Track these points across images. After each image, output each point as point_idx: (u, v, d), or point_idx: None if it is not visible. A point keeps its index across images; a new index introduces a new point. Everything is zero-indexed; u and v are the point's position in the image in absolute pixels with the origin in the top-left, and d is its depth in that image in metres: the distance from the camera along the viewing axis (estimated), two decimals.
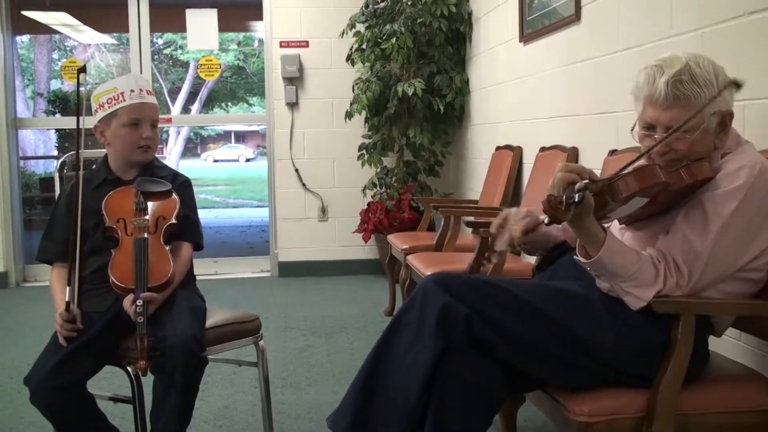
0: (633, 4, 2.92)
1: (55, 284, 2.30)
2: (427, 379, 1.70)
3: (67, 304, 2.15)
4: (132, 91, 2.35)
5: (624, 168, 1.70)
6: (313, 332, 4.24)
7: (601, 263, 1.71)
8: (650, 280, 1.71)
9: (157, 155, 2.50)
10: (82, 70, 2.37)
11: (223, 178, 21.06)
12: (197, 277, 2.56)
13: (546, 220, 1.66)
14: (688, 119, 1.71)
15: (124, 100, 2.35)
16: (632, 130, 1.87)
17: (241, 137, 30.13)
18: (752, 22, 2.18)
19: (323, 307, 4.87)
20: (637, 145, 1.92)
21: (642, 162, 1.75)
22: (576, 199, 1.59)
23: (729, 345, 2.19)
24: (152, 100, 2.41)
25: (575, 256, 1.77)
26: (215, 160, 27.84)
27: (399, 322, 1.83)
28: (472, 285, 1.78)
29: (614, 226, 1.98)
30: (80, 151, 2.32)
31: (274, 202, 6.03)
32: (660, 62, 1.78)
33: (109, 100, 2.36)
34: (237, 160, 27.82)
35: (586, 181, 1.64)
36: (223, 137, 29.54)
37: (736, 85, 1.75)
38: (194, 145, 28.53)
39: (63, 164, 2.65)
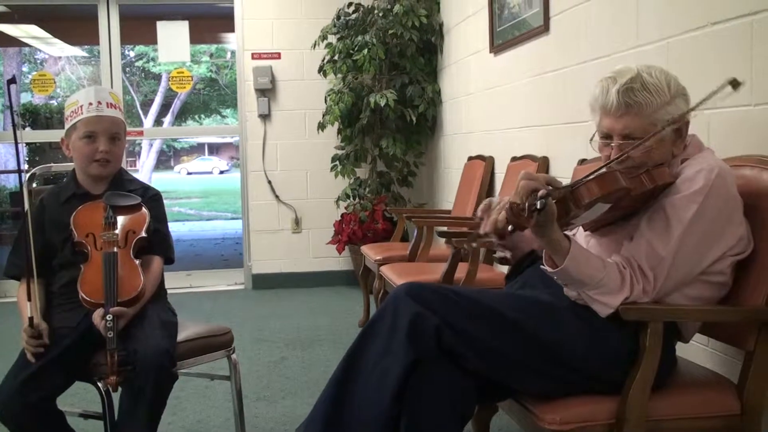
0: (600, 16, 2.96)
1: (22, 300, 2.27)
2: (397, 390, 1.70)
3: (30, 319, 2.13)
4: (90, 104, 2.33)
5: (587, 176, 1.72)
6: (287, 344, 4.22)
7: (566, 272, 1.72)
8: (616, 287, 1.73)
9: (129, 168, 2.48)
10: (12, 81, 2.33)
11: (197, 191, 20.95)
12: (170, 291, 2.55)
13: (510, 228, 1.67)
14: (646, 139, 1.74)
15: (82, 113, 2.33)
16: (591, 140, 1.91)
17: (214, 149, 30.02)
18: (714, 32, 2.22)
19: (297, 319, 4.85)
20: None
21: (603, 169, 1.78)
22: (538, 206, 1.60)
23: (697, 351, 2.22)
24: (112, 113, 2.36)
25: (541, 266, 1.79)
26: (189, 173, 27.70)
27: (370, 331, 1.82)
28: (442, 295, 1.79)
29: (579, 234, 2.01)
30: (22, 168, 2.31)
31: (247, 215, 6.01)
32: (613, 74, 1.84)
33: (71, 113, 2.36)
34: (211, 173, 27.70)
35: (549, 188, 1.66)
36: (197, 149, 29.42)
37: (735, 85, 1.73)
38: (167, 158, 28.40)
39: (32, 178, 2.62)
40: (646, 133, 1.77)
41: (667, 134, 1.79)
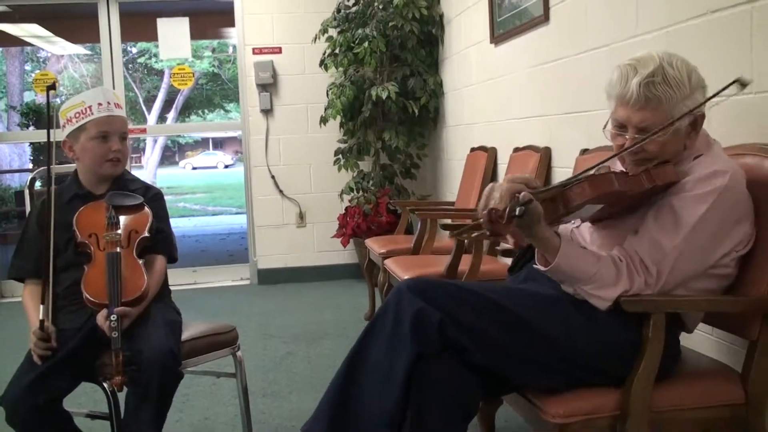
0: (600, 5, 2.94)
1: (28, 302, 2.29)
2: (403, 385, 1.70)
3: (41, 322, 2.14)
4: (100, 104, 2.34)
5: (581, 174, 1.71)
6: (293, 339, 4.23)
7: (559, 269, 1.72)
8: (611, 280, 1.73)
9: (134, 164, 2.49)
10: (52, 87, 2.36)
11: (202, 186, 20.97)
12: (176, 287, 2.56)
13: (487, 233, 1.65)
14: (660, 129, 1.72)
15: (92, 114, 2.34)
16: (604, 128, 1.88)
17: (219, 144, 30.06)
18: (715, 20, 2.21)
19: (303, 314, 4.86)
20: (607, 144, 1.94)
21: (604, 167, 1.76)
22: (517, 213, 1.57)
23: (701, 340, 2.22)
24: (121, 113, 2.40)
25: (534, 265, 1.78)
26: (194, 168, 27.73)
27: (374, 327, 1.82)
28: (445, 290, 1.78)
29: (584, 226, 2.00)
30: (51, 167, 2.31)
31: (251, 210, 6.02)
32: (634, 62, 1.78)
33: (77, 114, 2.35)
34: (215, 167, 27.73)
35: (535, 187, 1.62)
36: (201, 144, 29.45)
37: (742, 84, 1.73)
38: (172, 153, 28.44)
39: (33, 180, 2.63)
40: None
41: (683, 126, 1.77)
